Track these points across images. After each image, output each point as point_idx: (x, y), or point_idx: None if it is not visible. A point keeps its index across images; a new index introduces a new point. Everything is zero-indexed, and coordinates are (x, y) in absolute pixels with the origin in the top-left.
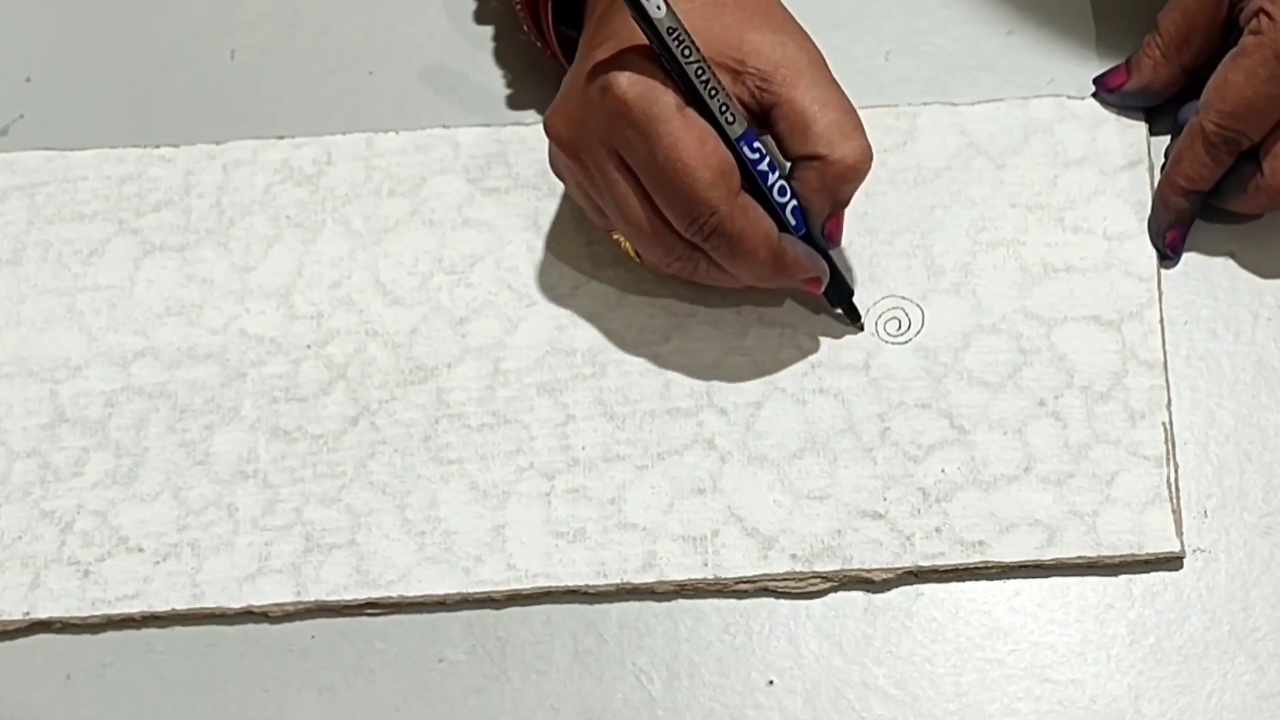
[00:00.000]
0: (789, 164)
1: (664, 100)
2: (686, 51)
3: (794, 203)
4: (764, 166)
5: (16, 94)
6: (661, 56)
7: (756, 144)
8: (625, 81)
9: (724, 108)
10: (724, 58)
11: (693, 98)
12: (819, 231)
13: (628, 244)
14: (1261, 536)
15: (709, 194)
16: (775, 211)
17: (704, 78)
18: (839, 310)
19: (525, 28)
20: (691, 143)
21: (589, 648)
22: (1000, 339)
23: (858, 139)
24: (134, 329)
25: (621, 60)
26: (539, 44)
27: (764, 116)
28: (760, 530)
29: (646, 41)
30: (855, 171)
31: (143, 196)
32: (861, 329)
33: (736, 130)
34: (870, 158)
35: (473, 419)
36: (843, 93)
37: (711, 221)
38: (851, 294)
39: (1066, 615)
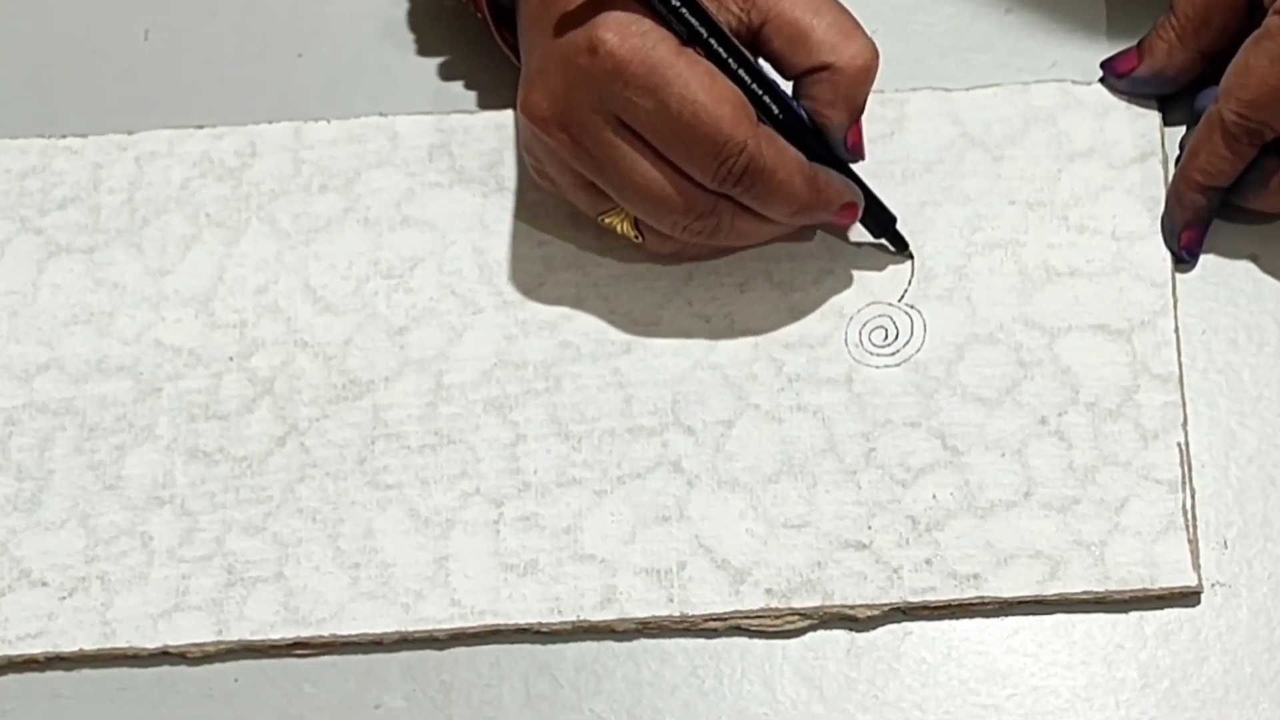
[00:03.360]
0: (791, 84)
1: (660, 47)
2: None
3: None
4: (779, 89)
5: None
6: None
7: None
8: (614, 38)
9: (727, 39)
10: None
11: (691, 35)
12: (841, 148)
13: (625, 224)
14: None
15: (735, 130)
16: (799, 142)
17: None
18: (882, 241)
19: None
20: (703, 82)
21: (542, 692)
22: (998, 350)
23: (860, 38)
24: (37, 339)
25: (599, 16)
26: (469, 6)
27: (753, 40)
28: (731, 562)
29: None
30: (867, 72)
31: (46, 192)
32: (910, 257)
33: (747, 57)
34: (877, 55)
35: (413, 439)
36: None
37: (742, 160)
38: (894, 220)
39: (1071, 656)
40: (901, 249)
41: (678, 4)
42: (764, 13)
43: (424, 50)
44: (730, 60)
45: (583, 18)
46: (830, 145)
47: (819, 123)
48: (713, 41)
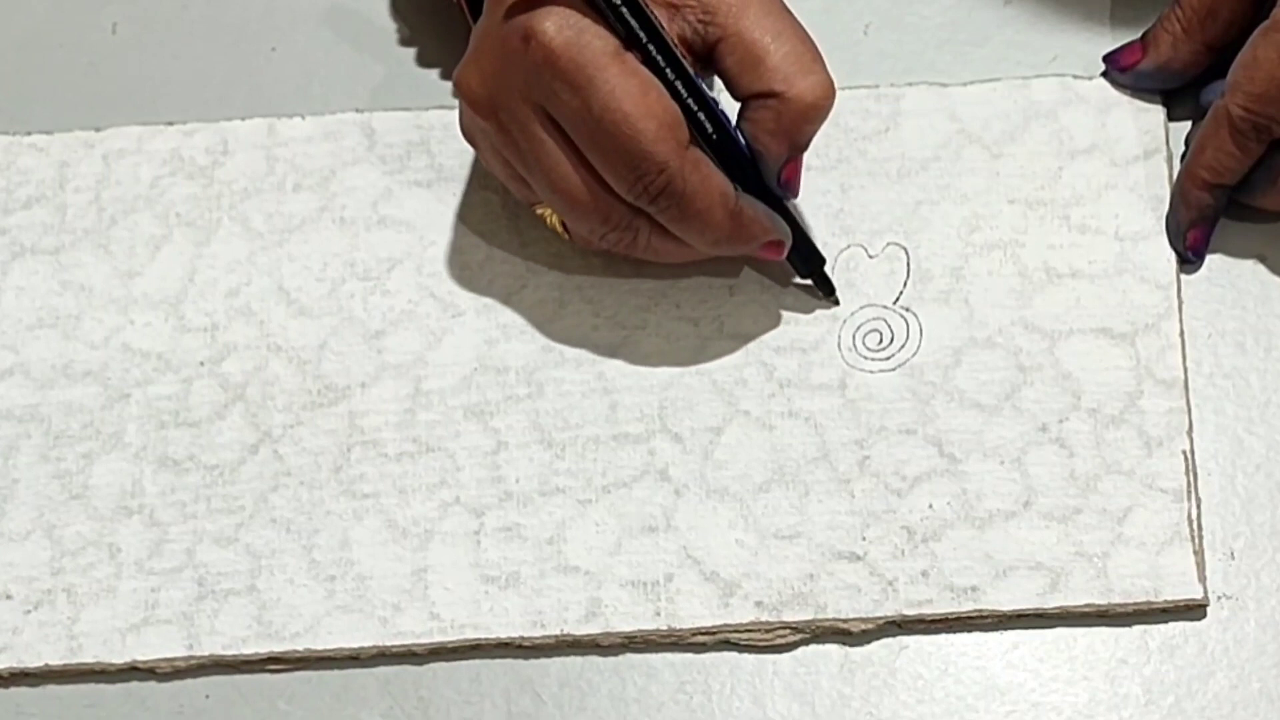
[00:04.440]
0: (738, 105)
1: (596, 45)
2: None
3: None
4: (717, 108)
5: None
6: None
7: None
8: (551, 27)
9: (668, 48)
10: None
11: (630, 39)
12: (774, 180)
13: (555, 218)
14: None
15: (655, 148)
16: (731, 168)
17: (640, 14)
18: (809, 283)
19: None
20: (632, 92)
21: (524, 709)
22: (996, 354)
23: (818, 72)
24: (0, 343)
25: (544, 5)
26: None
27: (708, 55)
28: (720, 574)
29: None
30: (817, 110)
31: (10, 191)
32: (837, 303)
33: (687, 71)
34: (833, 94)
35: (390, 447)
36: (797, 22)
37: (660, 180)
38: (823, 262)
39: (1072, 672)
40: (828, 294)
41: (618, 2)
42: (723, 29)
43: (401, 45)
44: (668, 70)
45: (529, 4)
46: (764, 175)
47: (756, 149)
48: (651, 47)
